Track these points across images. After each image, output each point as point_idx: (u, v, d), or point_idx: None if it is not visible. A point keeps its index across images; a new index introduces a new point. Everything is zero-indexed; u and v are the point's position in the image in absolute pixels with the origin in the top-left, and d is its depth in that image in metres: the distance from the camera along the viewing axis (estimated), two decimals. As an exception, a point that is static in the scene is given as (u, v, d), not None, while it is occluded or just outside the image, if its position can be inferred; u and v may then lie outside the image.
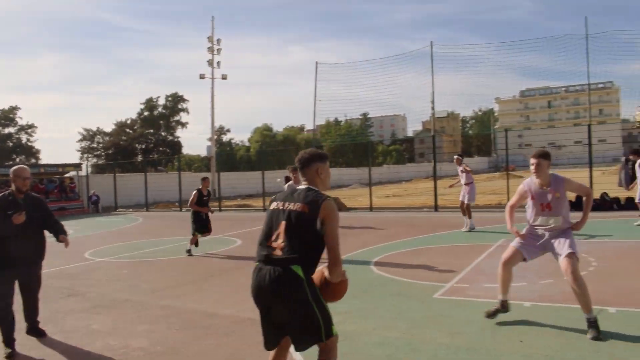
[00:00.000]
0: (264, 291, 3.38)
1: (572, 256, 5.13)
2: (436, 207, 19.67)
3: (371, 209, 21.03)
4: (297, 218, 3.38)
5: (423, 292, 6.99)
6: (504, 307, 5.58)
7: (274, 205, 3.58)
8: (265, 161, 30.61)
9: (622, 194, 16.68)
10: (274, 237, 3.45)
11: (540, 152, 5.36)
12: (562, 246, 5.25)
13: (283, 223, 3.42)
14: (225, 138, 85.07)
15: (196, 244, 11.58)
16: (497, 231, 12.58)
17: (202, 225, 11.60)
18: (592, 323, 4.98)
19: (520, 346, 4.84)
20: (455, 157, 13.68)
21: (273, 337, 3.53)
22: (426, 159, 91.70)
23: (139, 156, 72.57)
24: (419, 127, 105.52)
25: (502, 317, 5.68)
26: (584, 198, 5.55)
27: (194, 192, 11.71)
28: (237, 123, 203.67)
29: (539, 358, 4.54)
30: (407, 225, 15.25)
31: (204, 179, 12.14)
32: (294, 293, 3.33)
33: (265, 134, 69.75)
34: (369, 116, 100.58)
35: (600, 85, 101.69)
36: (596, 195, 17.15)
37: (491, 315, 5.53)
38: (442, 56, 20.34)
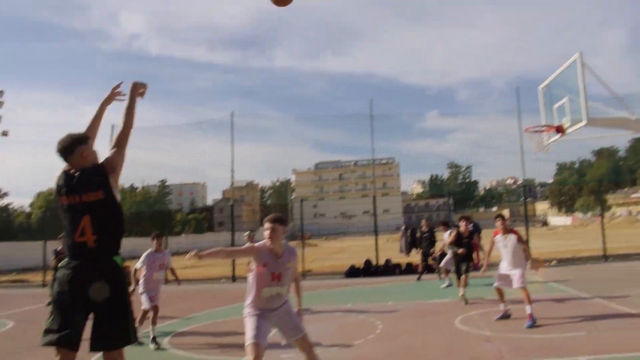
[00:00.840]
0: (80, 284, 3.29)
1: (307, 335, 5.12)
2: (234, 278, 19.53)
3: (166, 281, 20.06)
4: (98, 207, 3.41)
5: (219, 367, 6.75)
6: None
7: (65, 200, 3.52)
8: (48, 229, 27.77)
9: (403, 259, 18.32)
10: (79, 233, 3.39)
11: (275, 216, 5.06)
12: (294, 328, 5.12)
13: (87, 217, 3.39)
14: (1, 202, 76.07)
15: None
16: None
17: None
18: None
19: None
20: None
21: (74, 332, 3.29)
22: (225, 227, 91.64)
23: None
24: (219, 196, 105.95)
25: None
26: (294, 282, 5.44)
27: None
28: (19, 186, 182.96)
29: None
30: (205, 297, 14.87)
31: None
32: (114, 285, 3.35)
33: (50, 199, 63.46)
34: (167, 183, 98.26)
35: (384, 161, 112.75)
36: (381, 261, 18.61)
37: None
38: (243, 126, 20.76)
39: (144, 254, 8.64)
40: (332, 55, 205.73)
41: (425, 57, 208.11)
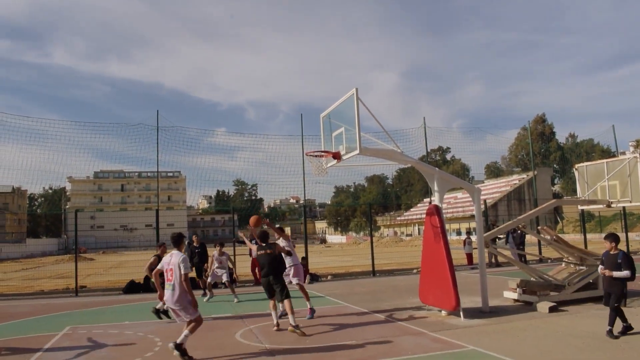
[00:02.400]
0: None
1: None
2: (-7, 295, 17.35)
3: None
4: None
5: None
6: None
7: None
8: None
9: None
10: None
11: None
12: None
13: None
14: None
15: None
16: (64, 318, 11.89)
17: None
18: None
19: None
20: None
21: None
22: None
23: None
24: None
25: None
26: None
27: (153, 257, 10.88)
28: None
29: None
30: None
31: (161, 245, 11.25)
32: None
33: None
34: None
35: (170, 174, 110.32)
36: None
37: None
38: (9, 125, 18.49)
39: None
40: (117, 60, 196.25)
41: (215, 74, 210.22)
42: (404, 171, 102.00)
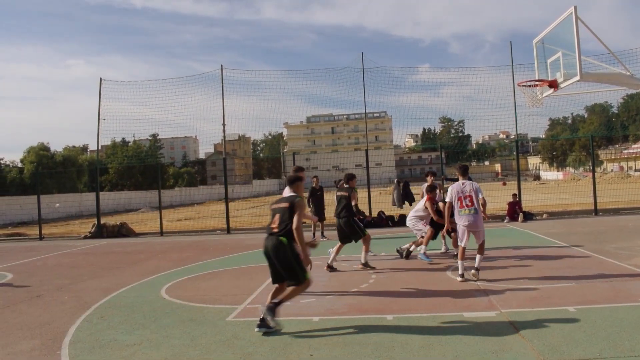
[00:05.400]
0: (268, 250, 6.07)
1: None
2: (228, 230, 19.72)
3: (162, 233, 20.29)
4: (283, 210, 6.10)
5: (216, 316, 6.90)
6: None
7: (273, 206, 6.31)
8: (42, 184, 27.69)
9: (395, 212, 18.49)
10: (272, 222, 6.11)
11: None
12: None
13: (277, 215, 6.13)
14: (-8, 158, 75.22)
15: None
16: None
17: None
18: None
19: (310, 360, 5.02)
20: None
21: (274, 276, 6.18)
22: (218, 181, 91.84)
23: None
24: (211, 150, 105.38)
25: (293, 333, 5.85)
26: None
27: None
28: (7, 141, 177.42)
29: (327, 370, 4.75)
30: (200, 248, 15.01)
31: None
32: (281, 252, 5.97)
33: (42, 154, 62.52)
34: (158, 137, 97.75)
35: (376, 115, 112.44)
36: (373, 213, 18.78)
37: None
38: (232, 80, 20.48)
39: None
40: (320, 8, 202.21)
41: (416, 9, 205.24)
42: (633, 97, 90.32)
